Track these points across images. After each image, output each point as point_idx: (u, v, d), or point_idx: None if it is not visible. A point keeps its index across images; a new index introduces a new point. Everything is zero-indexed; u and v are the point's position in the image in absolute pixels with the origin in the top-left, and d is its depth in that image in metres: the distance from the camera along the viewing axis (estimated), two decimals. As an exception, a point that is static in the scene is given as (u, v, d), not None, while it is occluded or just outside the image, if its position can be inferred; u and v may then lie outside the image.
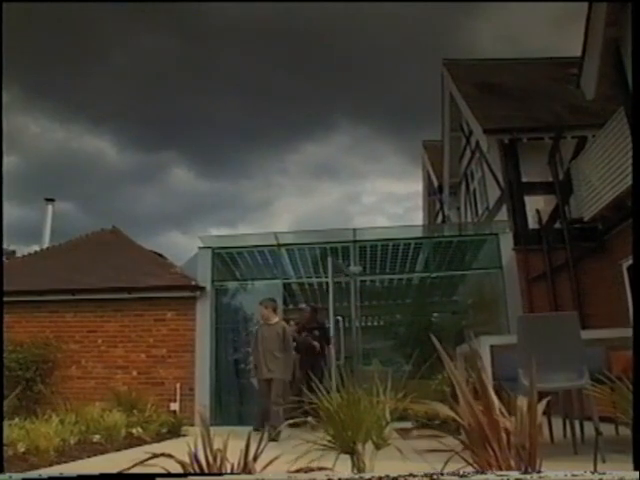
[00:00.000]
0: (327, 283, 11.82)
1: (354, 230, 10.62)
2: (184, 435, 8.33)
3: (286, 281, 11.87)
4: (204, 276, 10.80)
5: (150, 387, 10.22)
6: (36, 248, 15.64)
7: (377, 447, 2.28)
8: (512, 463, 2.10)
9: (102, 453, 5.30)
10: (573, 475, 1.91)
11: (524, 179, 10.90)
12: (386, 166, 58.00)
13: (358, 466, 2.24)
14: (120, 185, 53.22)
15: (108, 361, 10.55)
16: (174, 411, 9.92)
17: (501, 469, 2.09)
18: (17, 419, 5.20)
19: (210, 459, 2.13)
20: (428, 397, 2.67)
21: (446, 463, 2.16)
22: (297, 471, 2.14)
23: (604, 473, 1.93)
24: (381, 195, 60.88)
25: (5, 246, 36.03)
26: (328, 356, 9.11)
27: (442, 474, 1.89)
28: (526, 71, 13.59)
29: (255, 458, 2.16)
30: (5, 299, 11.07)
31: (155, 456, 2.30)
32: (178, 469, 2.24)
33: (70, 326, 10.84)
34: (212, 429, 2.37)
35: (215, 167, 54.29)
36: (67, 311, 10.89)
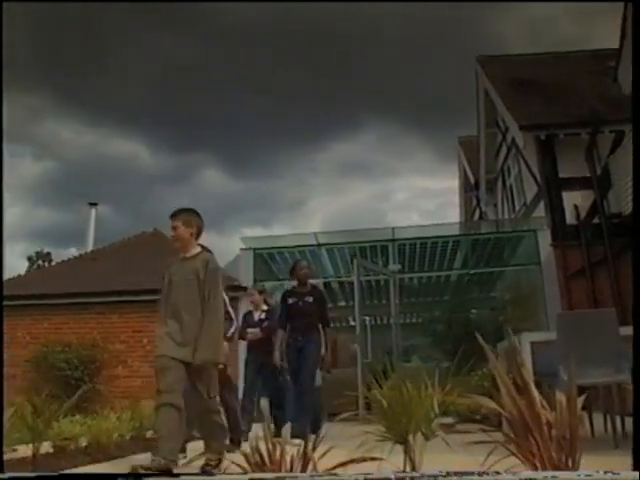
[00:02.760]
0: (368, 281, 12.03)
1: (393, 229, 10.74)
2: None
3: (326, 280, 12.05)
4: (246, 276, 11.03)
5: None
6: (73, 250, 16.01)
7: (426, 438, 2.42)
8: (553, 454, 2.20)
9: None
10: (587, 475, 2.01)
11: (561, 175, 10.87)
12: (417, 163, 57.79)
13: (410, 456, 2.39)
14: (154, 187, 53.73)
15: (154, 360, 10.75)
16: (219, 408, 10.18)
17: (543, 460, 2.20)
18: (78, 415, 5.46)
19: (270, 449, 2.31)
20: (469, 392, 2.79)
21: (489, 454, 2.29)
22: (351, 461, 2.31)
23: (605, 473, 2.01)
24: (413, 192, 60.70)
25: (39, 249, 36.43)
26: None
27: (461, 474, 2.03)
28: (561, 65, 13.49)
29: (314, 448, 2.33)
30: (53, 301, 11.54)
31: None
32: (241, 460, 2.43)
33: (115, 327, 11.20)
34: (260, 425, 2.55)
35: (246, 167, 55.40)
36: (113, 312, 11.27)
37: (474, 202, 18.22)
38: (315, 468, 2.24)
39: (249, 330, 6.93)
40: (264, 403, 7.21)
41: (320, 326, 6.37)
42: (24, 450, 4.41)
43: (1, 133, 3.38)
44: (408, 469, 2.54)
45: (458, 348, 5.21)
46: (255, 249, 11.23)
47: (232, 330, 5.43)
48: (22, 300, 11.32)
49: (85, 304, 11.38)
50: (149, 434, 5.96)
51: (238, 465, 2.41)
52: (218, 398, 4.17)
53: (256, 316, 7.06)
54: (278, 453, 2.30)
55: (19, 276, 14.11)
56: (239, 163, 51.19)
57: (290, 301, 6.47)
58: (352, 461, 2.32)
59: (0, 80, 3.38)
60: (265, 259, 11.68)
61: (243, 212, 54.47)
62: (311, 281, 6.78)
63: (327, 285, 12.26)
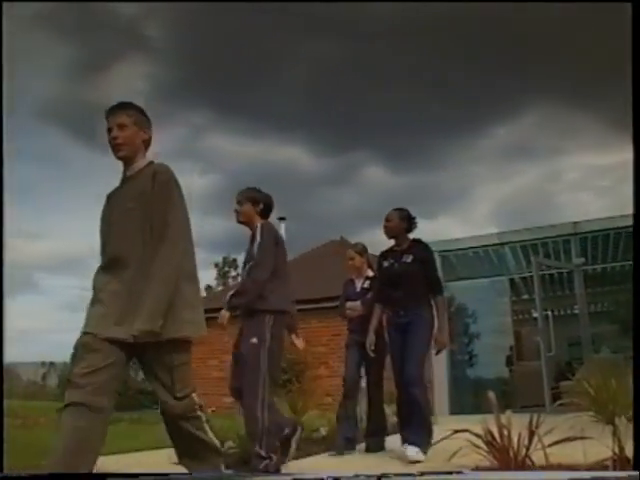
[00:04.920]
0: (550, 274, 12.16)
1: (574, 223, 10.80)
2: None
3: (512, 276, 12.31)
4: None
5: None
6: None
7: (628, 420, 2.89)
8: None
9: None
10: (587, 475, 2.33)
11: None
12: (583, 139, 54.37)
13: (618, 436, 2.87)
14: (316, 190, 54.56)
15: None
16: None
17: None
18: (316, 410, 6.41)
19: (503, 431, 2.96)
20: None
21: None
22: (567, 439, 2.91)
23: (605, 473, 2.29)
24: (582, 169, 57.24)
25: (226, 254, 37.65)
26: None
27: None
28: None
29: (537, 425, 2.93)
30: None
31: (455, 432, 3.21)
32: (474, 440, 3.11)
33: (315, 331, 12.28)
34: (453, 417, 3.18)
35: (408, 161, 53.04)
36: (312, 318, 12.36)
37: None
38: (541, 442, 2.87)
39: (348, 304, 5.50)
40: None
41: (430, 295, 4.82)
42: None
43: (1, 132, 3.06)
44: (617, 449, 3.01)
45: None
46: (439, 251, 11.73)
47: (230, 293, 4.01)
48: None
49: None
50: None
51: (473, 444, 3.11)
52: (197, 399, 2.87)
53: (358, 285, 5.53)
54: (506, 432, 2.96)
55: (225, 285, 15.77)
56: (400, 158, 49.16)
57: (385, 264, 5.00)
58: (567, 439, 2.92)
59: (0, 81, 3.08)
60: (449, 260, 12.24)
61: (408, 206, 53.52)
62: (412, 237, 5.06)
63: (511, 281, 12.51)
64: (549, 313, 10.36)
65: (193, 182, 43.06)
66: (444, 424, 5.16)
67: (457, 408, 10.65)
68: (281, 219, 18.62)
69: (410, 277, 4.73)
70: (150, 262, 2.55)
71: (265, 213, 4.11)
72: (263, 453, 3.61)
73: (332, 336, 12.02)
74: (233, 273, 36.12)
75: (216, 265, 37.17)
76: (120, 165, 2.85)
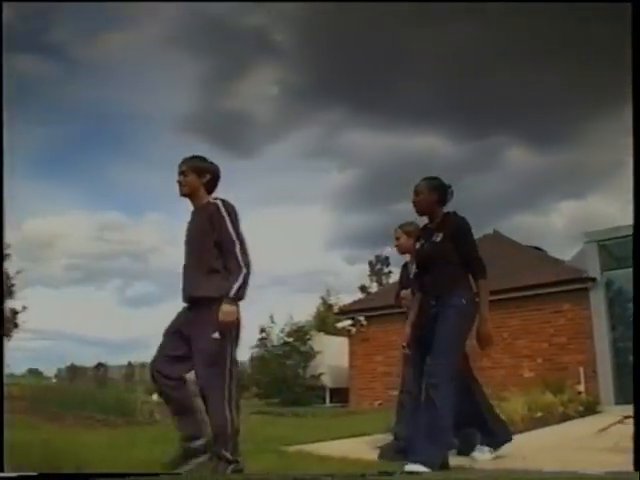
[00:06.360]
0: None
1: None
2: (599, 412, 9.66)
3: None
4: (593, 267, 11.67)
5: (554, 372, 11.21)
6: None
7: None
8: None
9: (544, 426, 6.68)
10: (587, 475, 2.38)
11: None
12: None
13: None
14: (457, 177, 17.80)
15: (514, 352, 11.99)
16: (579, 392, 10.71)
17: None
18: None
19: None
20: None
21: None
22: None
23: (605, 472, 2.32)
24: None
25: (371, 249, 33.33)
26: None
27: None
28: None
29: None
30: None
31: (613, 424, 3.85)
32: None
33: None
34: (618, 407, 4.79)
35: (552, 140, 38.53)
36: None
37: None
38: None
39: (402, 292, 4.80)
40: None
41: (468, 278, 3.94)
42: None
43: (1, 132, 3.27)
44: None
45: None
46: (598, 241, 11.78)
47: (236, 285, 3.26)
48: (391, 309, 13.26)
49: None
50: (538, 414, 7.13)
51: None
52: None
53: (412, 270, 4.51)
54: None
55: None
56: (543, 138, 36.85)
57: (417, 245, 4.22)
58: None
59: (0, 79, 3.41)
60: (608, 249, 11.80)
61: (553, 186, 44.21)
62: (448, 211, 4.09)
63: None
64: None
65: (333, 179, 43.91)
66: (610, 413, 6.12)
67: (622, 398, 10.50)
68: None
69: (440, 259, 3.92)
70: None
71: (211, 185, 3.52)
72: (230, 457, 3.21)
73: (494, 328, 11.72)
74: (385, 270, 36.20)
75: (370, 263, 36.80)
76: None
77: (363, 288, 34.32)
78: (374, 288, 34.17)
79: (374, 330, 13.92)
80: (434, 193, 4.04)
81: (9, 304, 18.40)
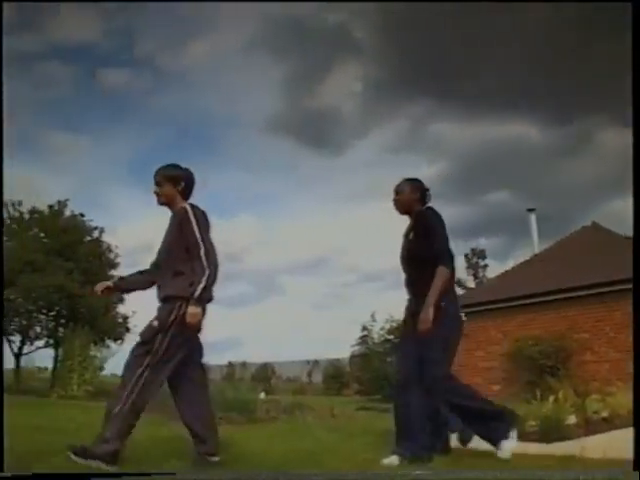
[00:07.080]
0: None
1: None
2: None
3: None
4: None
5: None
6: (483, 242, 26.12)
7: None
8: None
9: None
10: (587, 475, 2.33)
11: None
12: None
13: None
14: (547, 163, 44.76)
15: (619, 346, 11.79)
16: None
17: None
18: (594, 395, 6.68)
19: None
20: None
21: None
22: None
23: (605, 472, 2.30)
24: None
25: (465, 241, 28.49)
26: None
27: None
28: None
29: None
30: (518, 303, 13.51)
31: None
32: None
33: (576, 318, 12.55)
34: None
35: None
36: (570, 306, 12.71)
37: None
38: None
39: None
40: None
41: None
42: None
43: (1, 130, 3.29)
44: None
45: None
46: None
47: (200, 287, 3.29)
48: (490, 305, 14.15)
49: (545, 302, 13.15)
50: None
51: None
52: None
53: None
54: None
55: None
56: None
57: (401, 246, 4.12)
58: None
59: (0, 82, 3.44)
60: None
61: None
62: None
63: None
64: None
65: (422, 173, 38.62)
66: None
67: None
68: (530, 210, 16.98)
69: (414, 257, 3.88)
70: None
71: (187, 192, 3.63)
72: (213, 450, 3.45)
73: (595, 322, 12.29)
74: (481, 263, 37.17)
75: (466, 256, 37.26)
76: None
77: (459, 282, 33.92)
78: (470, 282, 35.36)
79: (473, 326, 14.14)
80: (416, 192, 4.05)
81: (120, 310, 19.59)
